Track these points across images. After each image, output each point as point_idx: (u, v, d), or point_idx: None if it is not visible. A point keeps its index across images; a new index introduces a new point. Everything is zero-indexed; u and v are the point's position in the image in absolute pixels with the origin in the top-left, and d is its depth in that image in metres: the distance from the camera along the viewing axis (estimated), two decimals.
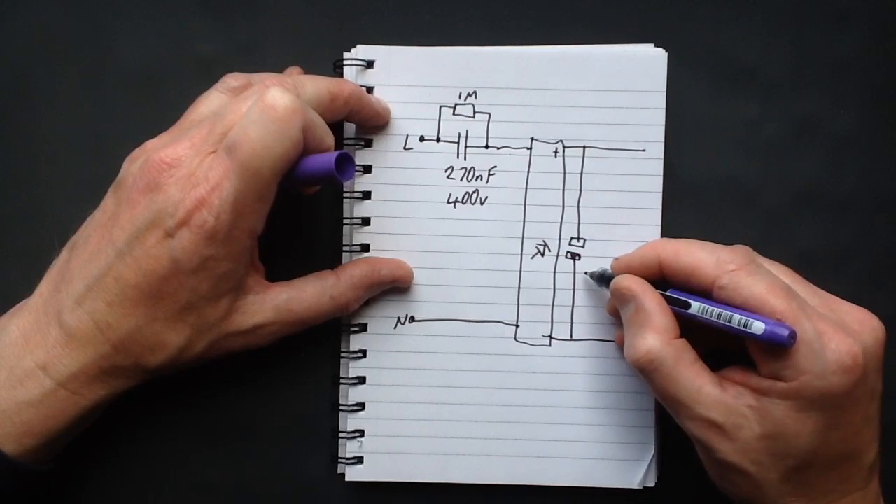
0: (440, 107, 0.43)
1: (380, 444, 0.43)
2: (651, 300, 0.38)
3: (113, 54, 0.44)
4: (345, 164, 0.37)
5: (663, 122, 0.43)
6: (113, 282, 0.36)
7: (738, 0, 0.45)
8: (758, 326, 0.35)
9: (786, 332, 0.34)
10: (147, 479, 0.44)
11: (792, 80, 0.45)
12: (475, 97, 0.43)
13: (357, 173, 0.43)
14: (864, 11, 0.45)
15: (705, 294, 0.37)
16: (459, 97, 0.43)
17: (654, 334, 0.37)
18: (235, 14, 0.44)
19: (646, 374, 0.37)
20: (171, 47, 0.44)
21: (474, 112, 0.43)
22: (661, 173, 0.43)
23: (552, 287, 0.43)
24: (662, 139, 0.43)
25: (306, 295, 0.40)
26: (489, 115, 0.43)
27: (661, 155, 0.43)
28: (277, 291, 0.39)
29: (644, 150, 0.43)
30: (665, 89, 0.43)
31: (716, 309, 0.36)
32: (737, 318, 0.35)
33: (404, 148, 0.43)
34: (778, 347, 0.35)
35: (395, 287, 0.43)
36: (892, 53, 0.45)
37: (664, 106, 0.43)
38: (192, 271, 0.36)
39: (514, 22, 0.44)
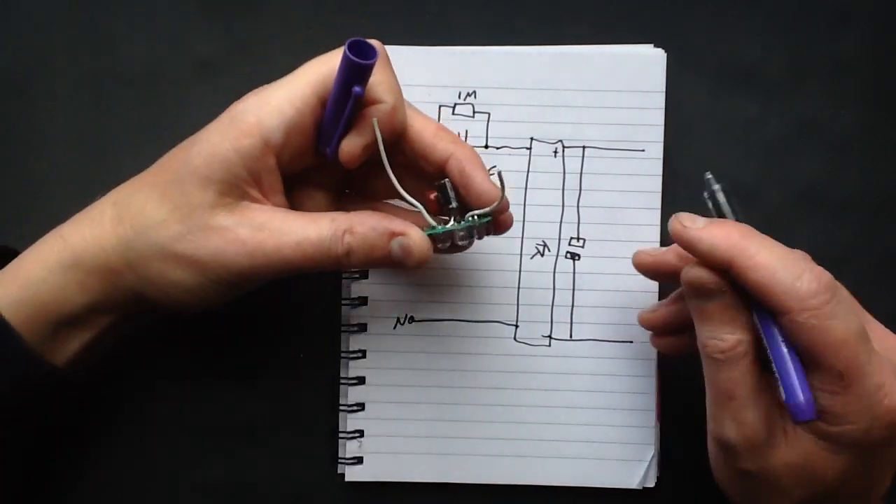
0: (440, 106, 0.43)
1: (379, 445, 0.43)
2: (739, 297, 0.35)
3: (113, 54, 0.44)
4: (361, 49, 0.34)
5: (662, 123, 0.43)
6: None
7: (738, 0, 0.45)
8: (786, 394, 0.34)
9: (803, 418, 0.33)
10: (147, 479, 0.44)
11: (792, 80, 0.45)
12: (475, 97, 0.43)
13: None
14: (864, 11, 0.45)
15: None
16: (459, 97, 0.43)
17: (744, 329, 0.35)
18: (235, 14, 0.44)
19: (721, 365, 0.35)
20: (170, 47, 0.44)
21: (474, 112, 0.43)
22: (661, 173, 0.43)
23: (552, 287, 0.43)
24: (662, 139, 0.43)
25: (306, 214, 0.37)
26: (489, 114, 0.43)
27: (661, 155, 0.43)
28: (278, 208, 0.37)
29: (644, 150, 0.43)
30: (664, 89, 0.43)
31: (763, 333, 0.35)
32: (777, 371, 0.34)
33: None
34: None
35: (402, 263, 0.37)
36: (892, 53, 0.45)
37: (664, 106, 0.43)
38: (200, 140, 0.36)
39: (513, 22, 0.44)
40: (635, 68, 0.43)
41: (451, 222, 0.37)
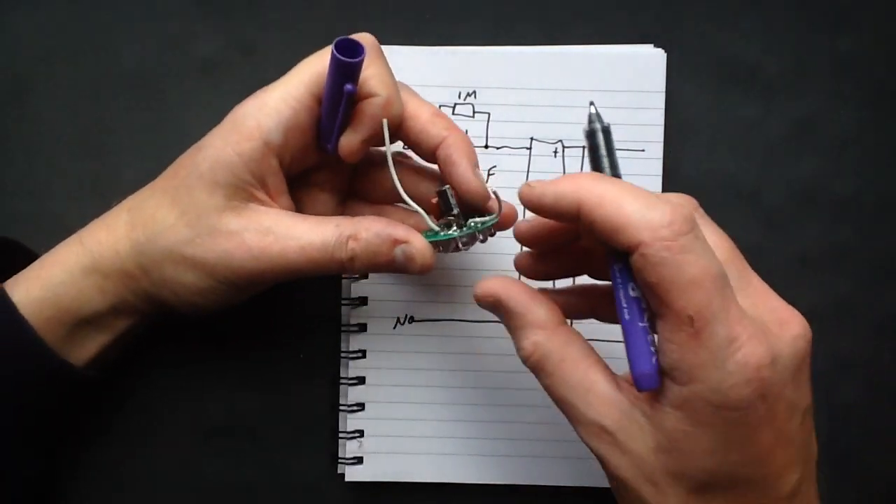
0: (439, 106, 0.43)
1: (379, 445, 0.43)
2: (520, 296, 0.34)
3: (113, 55, 0.44)
4: (349, 47, 0.34)
5: (662, 123, 0.43)
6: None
7: (739, 0, 0.45)
8: (630, 364, 0.31)
9: (646, 386, 0.31)
10: (147, 479, 0.44)
11: (792, 80, 0.45)
12: (475, 97, 0.43)
13: None
14: (864, 11, 0.45)
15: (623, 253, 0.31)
16: (459, 97, 0.43)
17: (534, 329, 0.33)
18: (235, 14, 0.44)
19: (536, 374, 0.34)
20: (171, 47, 0.44)
21: (474, 112, 0.43)
22: (661, 173, 0.43)
23: (551, 287, 0.43)
24: (662, 139, 0.43)
25: (311, 218, 0.37)
26: (489, 114, 0.43)
27: (661, 155, 0.43)
28: (284, 211, 0.37)
29: (643, 151, 0.43)
30: (664, 89, 0.43)
31: (615, 301, 0.32)
32: (625, 329, 0.31)
33: (404, 147, 0.43)
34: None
35: (404, 269, 0.37)
36: (892, 53, 0.45)
37: (663, 106, 0.43)
38: (204, 146, 0.36)
39: (513, 22, 0.44)
40: (635, 68, 0.43)
41: (454, 228, 0.37)
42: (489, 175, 0.43)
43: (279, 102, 0.36)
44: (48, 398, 0.38)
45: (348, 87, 0.34)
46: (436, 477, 0.43)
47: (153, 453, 0.44)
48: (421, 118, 0.37)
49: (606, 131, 0.33)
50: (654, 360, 0.31)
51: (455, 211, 0.37)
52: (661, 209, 0.30)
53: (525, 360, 0.34)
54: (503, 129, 0.43)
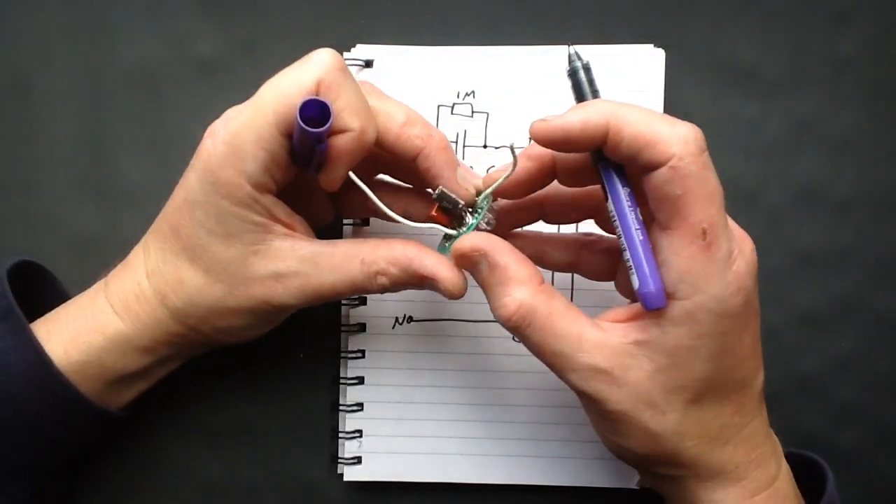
0: (438, 106, 0.43)
1: (378, 445, 0.43)
2: (505, 253, 0.34)
3: (113, 54, 0.44)
4: (311, 109, 0.33)
5: None
6: (159, 218, 0.38)
7: (738, 0, 0.44)
8: (639, 283, 0.33)
9: (656, 305, 0.32)
10: (147, 479, 0.44)
11: (792, 80, 0.45)
12: (473, 97, 0.43)
13: None
14: (864, 11, 0.45)
15: (643, 172, 0.32)
16: (458, 97, 0.43)
17: (520, 286, 0.34)
18: (235, 14, 0.45)
19: (520, 332, 0.34)
20: (171, 47, 0.44)
21: (472, 112, 0.43)
22: None
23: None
24: None
25: (336, 251, 0.37)
26: (487, 114, 0.43)
27: None
28: (307, 243, 0.37)
29: None
30: (663, 89, 0.43)
31: (620, 223, 0.33)
32: (629, 258, 0.33)
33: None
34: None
35: (431, 289, 0.37)
36: (892, 53, 0.45)
37: (662, 106, 0.43)
38: (198, 203, 0.35)
39: (513, 22, 0.44)
40: (635, 68, 0.43)
41: (468, 217, 0.37)
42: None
43: (253, 147, 0.34)
44: (83, 440, 0.40)
45: (320, 147, 0.34)
46: (435, 477, 0.43)
47: (153, 453, 0.44)
48: (390, 133, 0.36)
49: (587, 68, 0.35)
50: (660, 280, 0.33)
51: (461, 203, 0.36)
52: (687, 126, 0.32)
53: (508, 318, 0.34)
54: (502, 128, 0.43)
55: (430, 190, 0.37)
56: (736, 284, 0.32)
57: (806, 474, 0.38)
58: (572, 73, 0.35)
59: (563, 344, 0.34)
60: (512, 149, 0.35)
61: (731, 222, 0.34)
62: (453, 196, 0.36)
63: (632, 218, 0.33)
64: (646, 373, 0.33)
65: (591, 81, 0.35)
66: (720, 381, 0.34)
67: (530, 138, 0.34)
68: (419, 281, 0.36)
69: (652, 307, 0.33)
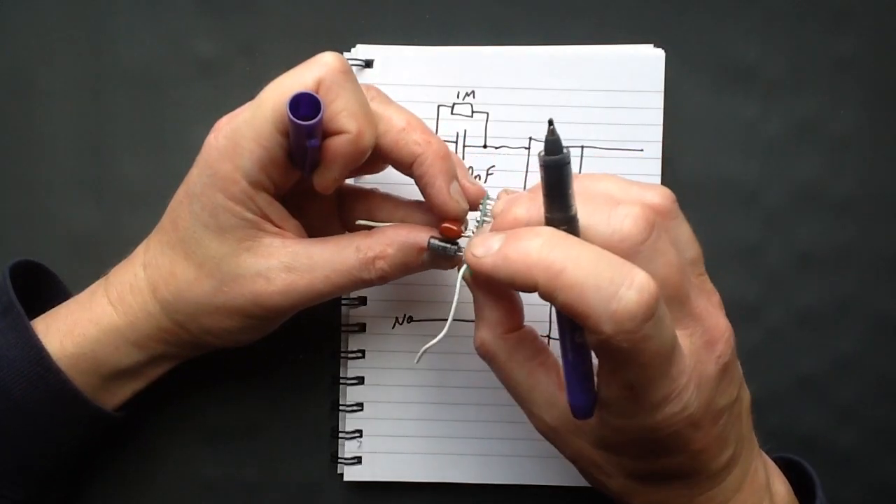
0: (438, 106, 0.43)
1: (378, 444, 0.43)
2: (484, 291, 0.35)
3: (113, 54, 0.44)
4: (305, 105, 0.33)
5: (661, 122, 0.43)
6: (164, 214, 0.38)
7: (738, 0, 0.44)
8: (568, 392, 0.33)
9: (581, 416, 0.33)
10: (147, 479, 0.44)
11: (792, 80, 0.45)
12: (473, 97, 0.43)
13: None
14: (864, 11, 0.44)
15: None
16: (458, 97, 0.43)
17: (486, 328, 0.35)
18: (235, 14, 0.45)
19: (487, 363, 0.36)
20: (171, 47, 0.44)
21: (472, 112, 0.43)
22: (660, 173, 0.43)
23: None
24: (660, 139, 0.43)
25: (328, 243, 0.37)
26: (487, 114, 0.43)
27: (660, 155, 0.43)
28: (298, 240, 0.37)
29: (642, 150, 0.43)
30: (663, 89, 0.43)
31: (559, 339, 0.32)
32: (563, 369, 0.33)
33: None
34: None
35: (432, 266, 0.37)
36: (892, 53, 0.45)
37: (662, 106, 0.43)
38: (196, 195, 0.36)
39: (513, 22, 0.44)
40: (635, 68, 0.43)
41: (478, 214, 0.36)
42: (488, 175, 0.43)
43: (251, 143, 0.34)
44: (80, 440, 0.40)
45: (312, 142, 0.34)
46: (434, 477, 0.43)
47: (153, 453, 0.44)
48: (388, 136, 0.36)
49: (567, 163, 0.29)
50: (591, 394, 0.32)
51: (454, 249, 0.36)
52: (627, 299, 0.28)
53: (476, 349, 0.36)
54: (502, 128, 0.43)
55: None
56: (671, 420, 0.31)
57: (794, 480, 0.38)
58: (548, 167, 0.29)
59: (517, 390, 0.35)
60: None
61: (709, 321, 0.32)
62: (443, 246, 0.36)
63: (567, 340, 0.32)
64: (589, 443, 0.34)
65: (568, 182, 0.29)
66: (663, 473, 0.34)
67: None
68: (419, 254, 0.36)
69: (577, 417, 0.33)
